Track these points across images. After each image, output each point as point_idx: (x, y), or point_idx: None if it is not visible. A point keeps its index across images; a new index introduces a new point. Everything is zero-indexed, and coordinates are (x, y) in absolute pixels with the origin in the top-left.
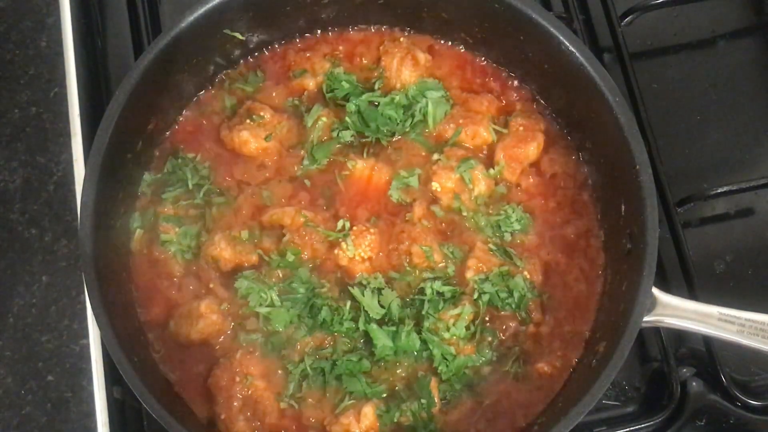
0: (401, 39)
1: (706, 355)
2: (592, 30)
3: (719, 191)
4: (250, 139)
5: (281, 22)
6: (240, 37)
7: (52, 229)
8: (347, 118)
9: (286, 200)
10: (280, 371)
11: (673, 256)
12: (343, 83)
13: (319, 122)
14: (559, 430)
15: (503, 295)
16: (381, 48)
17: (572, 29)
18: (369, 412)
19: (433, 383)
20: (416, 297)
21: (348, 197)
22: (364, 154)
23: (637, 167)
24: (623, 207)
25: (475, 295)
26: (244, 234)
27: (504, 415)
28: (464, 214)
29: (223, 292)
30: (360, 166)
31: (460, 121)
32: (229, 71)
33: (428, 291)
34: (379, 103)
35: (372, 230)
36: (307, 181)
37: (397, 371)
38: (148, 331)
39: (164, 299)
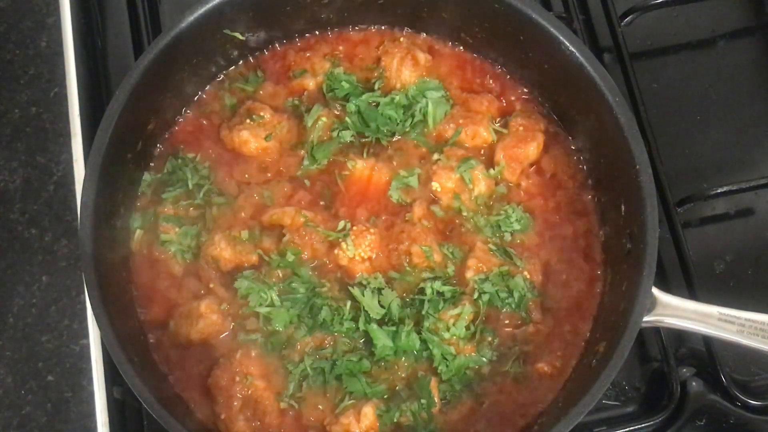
0: (401, 39)
1: (706, 355)
2: (592, 30)
3: (719, 191)
4: (250, 139)
5: (281, 22)
6: (240, 37)
7: (52, 229)
8: (347, 118)
9: (286, 200)
10: (280, 371)
11: (673, 256)
12: (343, 83)
13: (319, 122)
14: (559, 430)
15: (503, 295)
16: (381, 48)
17: (572, 29)
18: (369, 412)
19: (433, 383)
20: (416, 297)
21: (348, 197)
22: (364, 154)
23: (637, 167)
24: (623, 207)
25: (475, 295)
26: (244, 234)
27: (504, 415)
28: (464, 214)
29: (223, 292)
30: (360, 166)
31: (460, 121)
32: (229, 71)
33: (428, 291)
34: (379, 103)
35: (372, 230)
36: (307, 181)
37: (397, 371)
38: (148, 331)
39: (164, 299)
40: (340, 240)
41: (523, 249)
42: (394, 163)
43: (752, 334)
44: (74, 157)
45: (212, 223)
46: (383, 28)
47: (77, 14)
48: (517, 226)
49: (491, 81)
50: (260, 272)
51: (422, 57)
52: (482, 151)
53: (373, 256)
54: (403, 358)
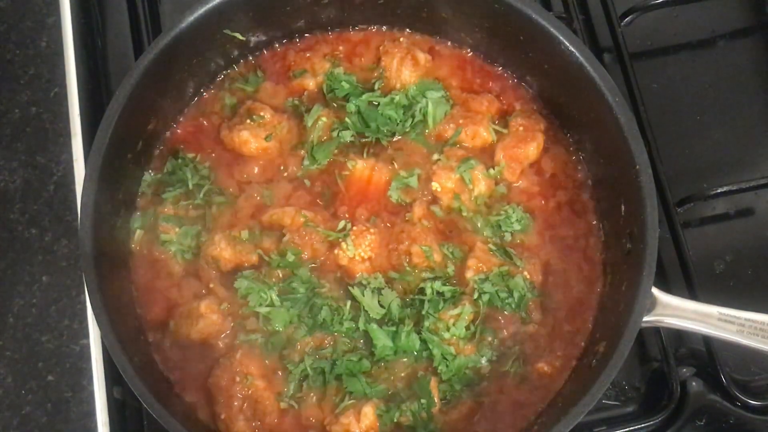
0: (401, 39)
1: (706, 355)
2: (592, 30)
3: (719, 191)
4: (250, 139)
5: (281, 22)
6: (240, 37)
7: (52, 229)
8: (347, 118)
9: (286, 200)
10: (280, 371)
11: (673, 256)
12: (343, 83)
13: (319, 122)
14: (559, 430)
15: (503, 295)
16: (381, 48)
17: (572, 29)
18: (369, 412)
19: (433, 383)
20: (416, 297)
21: (348, 197)
22: (364, 154)
23: (637, 167)
24: (623, 207)
25: (475, 295)
26: (244, 234)
27: (504, 415)
28: (464, 214)
29: (223, 292)
30: (360, 166)
31: (460, 121)
32: (229, 71)
33: (428, 291)
34: (379, 103)
35: (372, 230)
36: (307, 181)
37: (397, 371)
38: (148, 331)
39: (164, 299)
40: (340, 240)
41: (523, 249)
42: (395, 163)
43: (752, 334)
44: (74, 157)
45: (212, 223)
46: (383, 28)
47: (77, 14)
48: (517, 226)
49: (491, 81)
50: (260, 272)
51: (422, 57)
52: (482, 152)
53: (373, 256)
54: (403, 358)
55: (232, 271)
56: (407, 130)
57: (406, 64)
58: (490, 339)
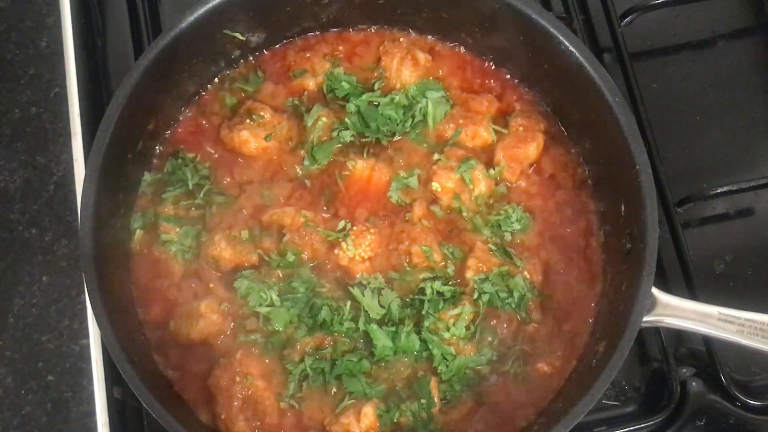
0: (401, 39)
1: (706, 355)
2: (592, 30)
3: (719, 191)
4: (250, 139)
5: (281, 22)
6: (240, 37)
7: (52, 229)
8: (347, 119)
9: (286, 200)
10: (280, 371)
11: (673, 256)
12: (343, 83)
13: (319, 122)
14: (559, 430)
15: (503, 295)
16: (381, 48)
17: (572, 29)
18: (369, 412)
19: (433, 383)
20: (416, 297)
21: (348, 197)
22: (364, 154)
23: (637, 167)
24: (623, 207)
25: (475, 295)
26: (244, 234)
27: (504, 415)
28: (464, 214)
29: (223, 292)
30: (360, 166)
31: (460, 121)
32: (229, 71)
33: (428, 291)
34: (379, 103)
35: (372, 230)
36: (307, 181)
37: (397, 371)
38: (148, 331)
39: (164, 299)
40: (340, 240)
41: (523, 249)
42: (395, 163)
43: (752, 334)
44: (74, 157)
45: (212, 223)
46: (383, 28)
47: (77, 14)
48: (517, 226)
49: (491, 81)
50: (260, 272)
51: (422, 57)
52: (482, 152)
53: (373, 256)
54: (403, 358)
55: (232, 271)
56: (407, 130)
57: (406, 64)
58: (490, 339)
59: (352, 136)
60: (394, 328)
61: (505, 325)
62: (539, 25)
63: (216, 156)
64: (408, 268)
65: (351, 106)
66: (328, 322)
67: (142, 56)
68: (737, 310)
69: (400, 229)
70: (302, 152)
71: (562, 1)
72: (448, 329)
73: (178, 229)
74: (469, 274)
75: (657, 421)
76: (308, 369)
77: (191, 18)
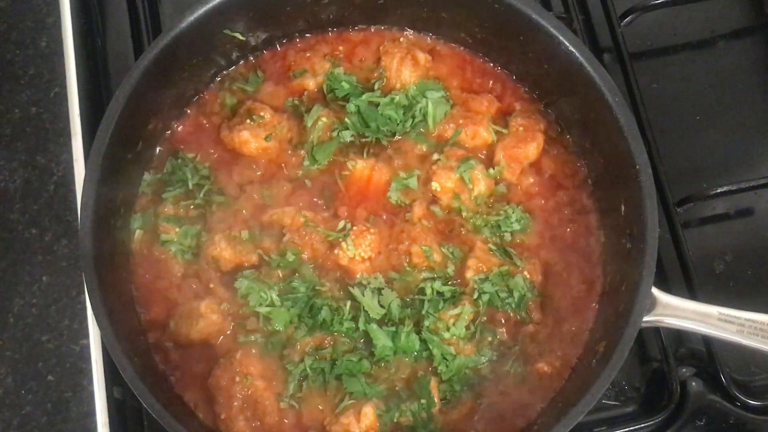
0: (401, 39)
1: (706, 355)
2: (592, 30)
3: (719, 191)
4: (250, 139)
5: (281, 23)
6: (240, 37)
7: (52, 229)
8: (347, 119)
9: (286, 200)
10: (280, 371)
11: (673, 256)
12: (343, 83)
13: (319, 122)
14: (559, 430)
15: (503, 295)
16: (381, 48)
17: (572, 29)
18: (369, 412)
19: (433, 383)
20: (416, 297)
21: (348, 197)
22: (364, 154)
23: (637, 167)
24: (623, 207)
25: (475, 295)
26: (244, 234)
27: (504, 415)
28: (464, 214)
29: (223, 292)
30: (360, 166)
31: (460, 121)
32: (229, 71)
33: (428, 291)
34: (379, 103)
35: (372, 230)
36: (307, 181)
37: (397, 371)
38: (148, 331)
39: (164, 299)
40: (340, 240)
41: (523, 249)
42: (395, 163)
43: (752, 334)
44: (74, 157)
45: (212, 223)
46: (383, 28)
47: (77, 14)
48: (517, 226)
49: (491, 81)
50: (260, 272)
51: (422, 57)
52: (482, 151)
53: (373, 256)
54: (403, 358)
55: (232, 271)
56: (407, 130)
57: (406, 64)
58: (490, 339)
59: (352, 136)
60: (394, 328)
61: (505, 325)
62: (539, 25)
63: (216, 156)
64: (408, 268)
65: (351, 106)
66: (328, 322)
67: (142, 56)
68: (737, 310)
69: (400, 229)
70: (302, 152)
71: (562, 1)
72: (448, 329)
73: (178, 229)
74: (469, 274)
75: (657, 421)
76: (308, 369)
77: (191, 18)
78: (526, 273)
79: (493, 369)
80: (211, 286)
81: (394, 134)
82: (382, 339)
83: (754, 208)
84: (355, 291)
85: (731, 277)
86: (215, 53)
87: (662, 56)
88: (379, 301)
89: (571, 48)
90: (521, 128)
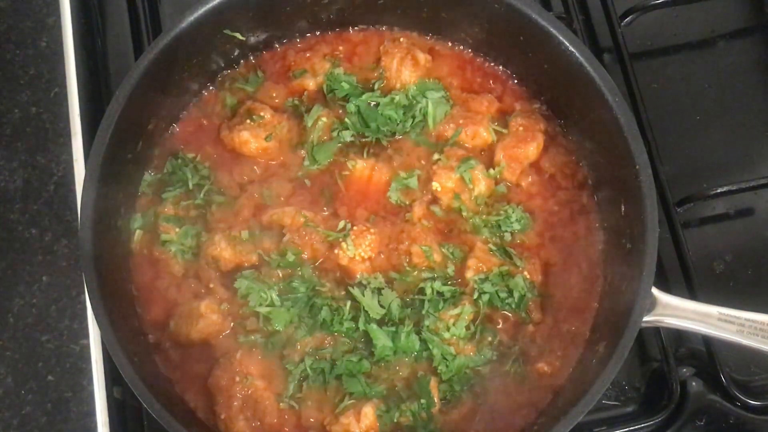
0: (401, 39)
1: (706, 355)
2: (592, 30)
3: (719, 191)
4: (250, 139)
5: (281, 23)
6: (240, 37)
7: (52, 229)
8: (347, 119)
9: (286, 200)
10: (280, 371)
11: (673, 256)
12: (343, 84)
13: (319, 122)
14: (559, 430)
15: (503, 295)
16: (381, 48)
17: (572, 29)
18: (369, 412)
19: (433, 383)
20: (416, 297)
21: (348, 197)
22: (364, 154)
23: (637, 167)
24: (623, 207)
25: (475, 295)
26: (244, 234)
27: (504, 415)
28: (464, 214)
29: (223, 292)
30: (360, 166)
31: (460, 121)
32: (229, 71)
33: (428, 291)
34: (379, 103)
35: (372, 230)
36: (307, 181)
37: (397, 371)
38: (148, 331)
39: (164, 299)
40: (340, 240)
41: (523, 249)
42: (395, 163)
43: (752, 334)
44: (74, 157)
45: (212, 223)
46: (383, 28)
47: (77, 14)
48: (517, 226)
49: (491, 81)
50: (260, 272)
51: (422, 57)
52: (482, 151)
53: (373, 256)
54: (403, 358)
55: (232, 271)
56: (407, 130)
57: (406, 64)
58: (490, 339)
59: (352, 136)
60: (394, 328)
61: (505, 325)
62: (539, 25)
63: (216, 156)
64: (408, 268)
65: (351, 106)
66: (328, 322)
67: (142, 56)
68: (737, 310)
69: (400, 229)
70: (302, 152)
71: (562, 1)
72: (448, 329)
73: (178, 229)
74: (469, 274)
75: (657, 421)
76: (308, 369)
77: (191, 18)
78: (526, 273)
79: (493, 369)
80: (211, 286)
81: (394, 134)
82: (382, 339)
83: (754, 208)
84: (355, 291)
85: (731, 277)
86: (215, 53)
87: (662, 56)
88: (379, 301)
89: (571, 48)
90: (521, 128)
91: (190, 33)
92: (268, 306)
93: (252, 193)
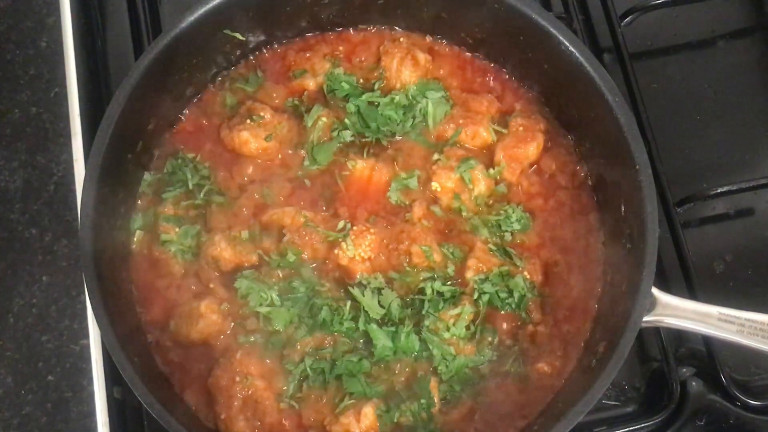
0: (401, 39)
1: (706, 355)
2: (592, 30)
3: (719, 191)
4: (250, 139)
5: (281, 22)
6: (240, 37)
7: (52, 229)
8: (347, 119)
9: (286, 200)
10: (280, 371)
11: (673, 256)
12: (343, 84)
13: (319, 122)
14: (558, 430)
15: (503, 295)
16: (381, 48)
17: (572, 29)
18: (369, 412)
19: (433, 383)
20: (416, 297)
21: (348, 197)
22: (364, 154)
23: (637, 167)
24: (623, 207)
25: (475, 295)
26: (244, 234)
27: (504, 415)
28: (464, 214)
29: (223, 292)
30: (360, 166)
31: (460, 121)
32: (229, 71)
33: (428, 291)
34: (379, 103)
35: (372, 230)
36: (307, 181)
37: (397, 371)
38: (148, 331)
39: (164, 299)
40: (340, 240)
41: (523, 249)
42: (395, 163)
43: (752, 334)
44: (74, 157)
45: (212, 223)
46: (383, 28)
47: (77, 14)
48: (517, 226)
49: (491, 81)
50: (260, 272)
51: (422, 57)
52: (482, 152)
53: (373, 256)
54: (403, 359)
55: (232, 271)
56: (407, 130)
57: (406, 64)
58: (490, 339)
59: (352, 136)
60: (394, 328)
61: (505, 325)
62: (539, 25)
63: (216, 156)
64: (408, 268)
65: (351, 106)
66: (328, 322)
67: (142, 56)
68: (737, 310)
69: (400, 229)
70: (302, 152)
71: (562, 1)
72: (448, 329)
73: (178, 229)
74: (469, 274)
75: (657, 421)
76: (308, 369)
77: (191, 18)
78: (526, 273)
79: (493, 369)
80: (211, 286)
81: (394, 134)
82: (382, 339)
83: (754, 208)
84: (355, 291)
85: (731, 277)
86: (215, 53)
87: (662, 56)
88: (379, 301)
89: (571, 48)
90: (521, 128)
91: (190, 33)
92: (268, 306)
93: (252, 193)
